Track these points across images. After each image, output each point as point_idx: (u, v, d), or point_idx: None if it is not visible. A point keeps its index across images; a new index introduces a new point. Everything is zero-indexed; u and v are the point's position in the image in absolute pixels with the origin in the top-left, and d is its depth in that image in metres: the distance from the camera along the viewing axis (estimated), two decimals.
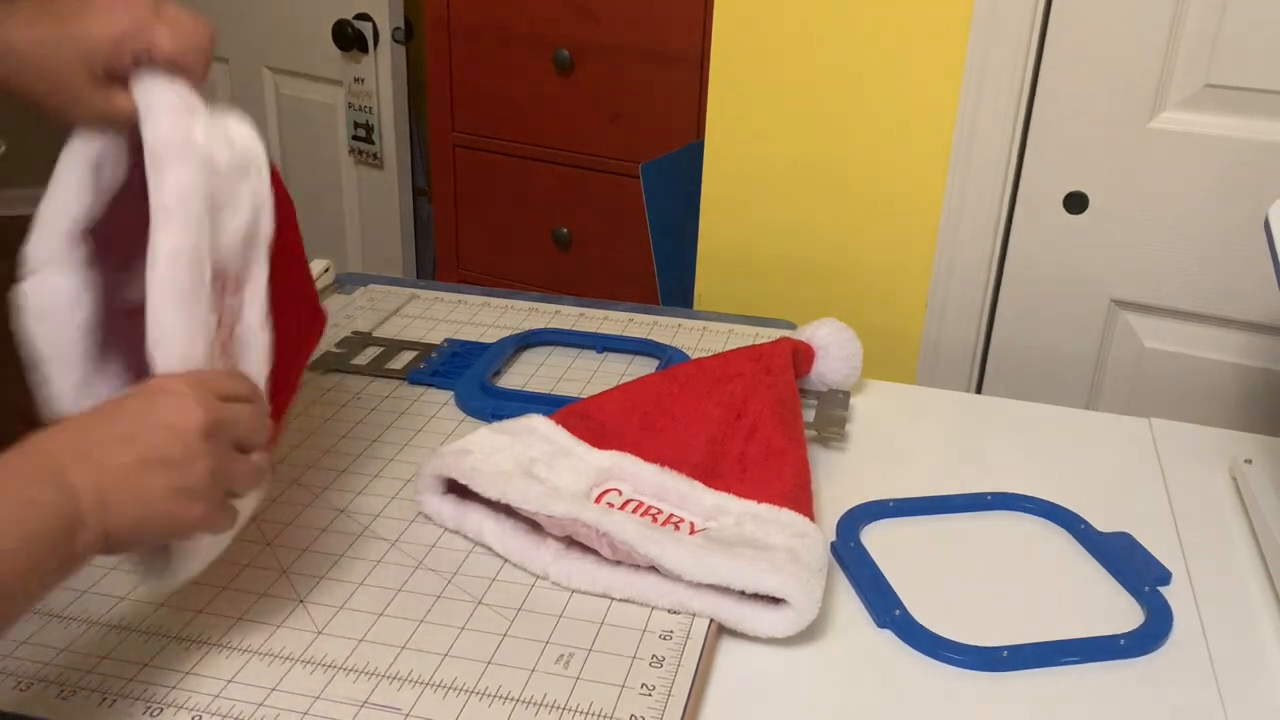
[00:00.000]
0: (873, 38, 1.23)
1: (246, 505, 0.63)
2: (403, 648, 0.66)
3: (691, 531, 0.74)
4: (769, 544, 0.70)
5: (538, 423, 0.83)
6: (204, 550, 0.61)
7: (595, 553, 0.72)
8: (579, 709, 0.61)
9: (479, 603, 0.70)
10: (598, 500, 0.76)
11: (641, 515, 0.75)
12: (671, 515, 0.76)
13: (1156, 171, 1.18)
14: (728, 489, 0.77)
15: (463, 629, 0.67)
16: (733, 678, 0.66)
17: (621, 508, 0.76)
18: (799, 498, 0.76)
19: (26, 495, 0.51)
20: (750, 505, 0.75)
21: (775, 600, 0.68)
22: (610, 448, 0.81)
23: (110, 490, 0.53)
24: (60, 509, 0.51)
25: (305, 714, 0.60)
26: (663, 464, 0.79)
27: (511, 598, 0.71)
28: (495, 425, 0.83)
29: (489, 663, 0.65)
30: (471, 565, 0.74)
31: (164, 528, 0.56)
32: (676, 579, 0.69)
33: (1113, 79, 1.17)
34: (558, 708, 0.61)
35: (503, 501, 0.74)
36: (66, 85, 0.62)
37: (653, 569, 0.71)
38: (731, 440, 0.82)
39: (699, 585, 0.69)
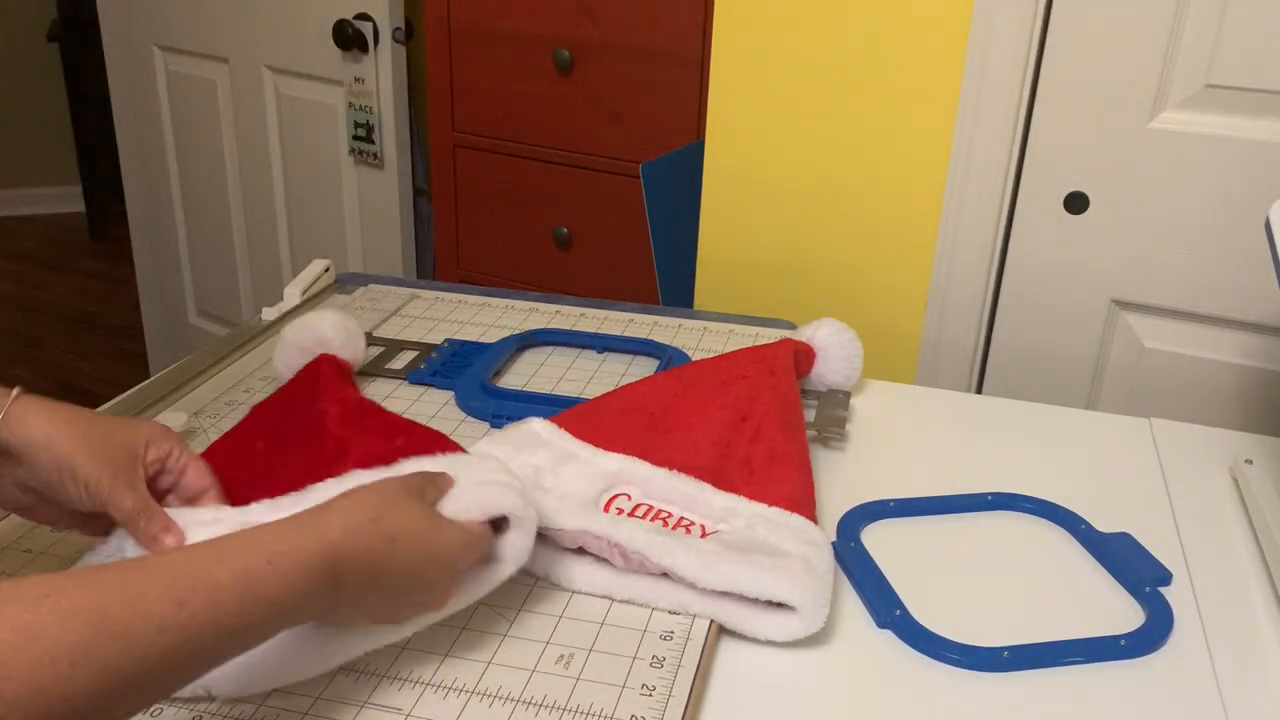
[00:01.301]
0: (873, 38, 1.23)
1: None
2: (403, 648, 0.66)
3: (703, 534, 0.74)
4: (782, 550, 0.70)
5: (539, 427, 0.82)
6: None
7: (598, 557, 0.72)
8: (579, 709, 0.61)
9: (479, 603, 0.70)
10: (607, 506, 0.76)
11: (652, 520, 0.75)
12: (682, 519, 0.75)
13: (1156, 171, 1.18)
14: (735, 491, 0.77)
15: (463, 629, 0.67)
16: (733, 678, 0.66)
17: (631, 513, 0.76)
18: (806, 502, 0.76)
19: (301, 591, 0.55)
20: (761, 508, 0.75)
21: (779, 604, 0.68)
22: (615, 450, 0.81)
23: (369, 606, 0.60)
24: (319, 611, 0.57)
25: (305, 714, 0.60)
26: (670, 467, 0.79)
27: (512, 598, 0.71)
28: (495, 435, 0.82)
29: (489, 663, 0.65)
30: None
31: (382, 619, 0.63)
32: (688, 584, 0.69)
33: (1113, 79, 1.17)
34: (558, 708, 0.61)
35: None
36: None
37: (660, 573, 0.71)
38: (737, 443, 0.82)
39: (706, 589, 0.69)
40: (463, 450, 0.77)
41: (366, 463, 0.72)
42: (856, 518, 0.82)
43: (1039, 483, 0.87)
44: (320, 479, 0.71)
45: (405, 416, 0.93)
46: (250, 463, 0.78)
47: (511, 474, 0.70)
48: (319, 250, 2.16)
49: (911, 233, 1.28)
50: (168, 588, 0.50)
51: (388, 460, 0.72)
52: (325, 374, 0.87)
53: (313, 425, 0.80)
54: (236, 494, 0.73)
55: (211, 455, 0.76)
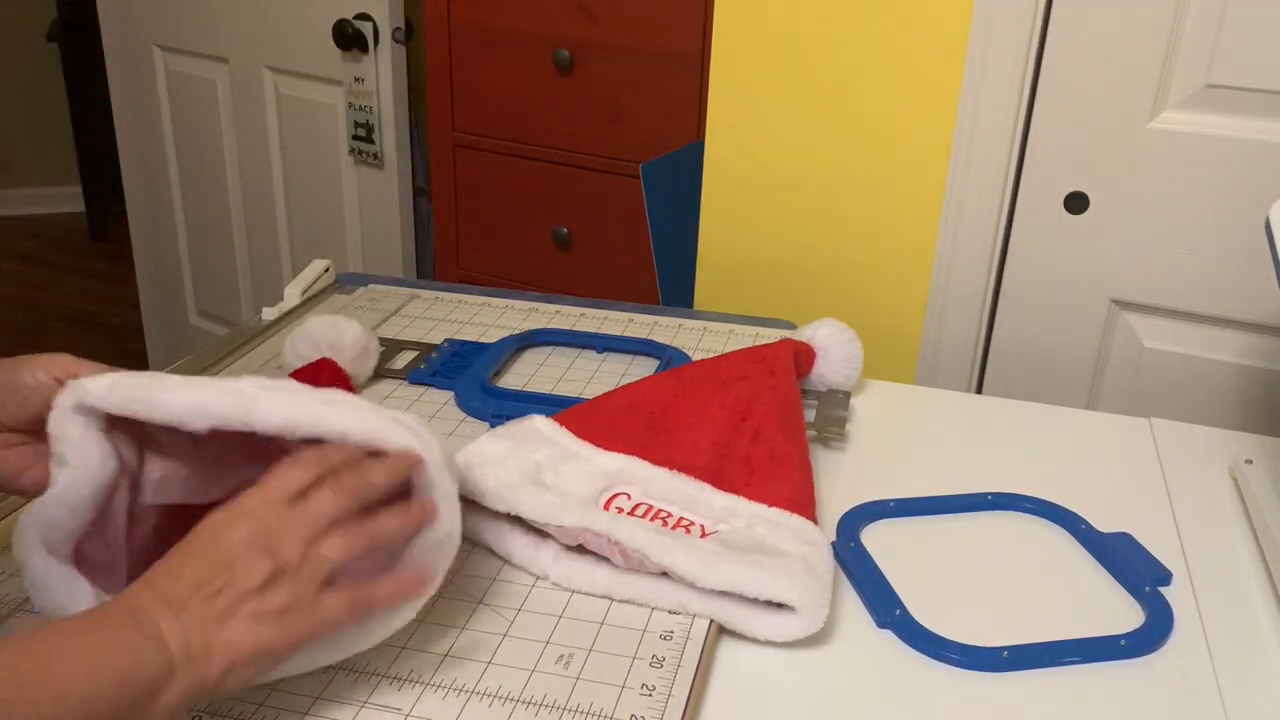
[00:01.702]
0: (873, 38, 1.23)
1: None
2: (403, 648, 0.66)
3: (703, 534, 0.74)
4: (782, 550, 0.70)
5: (541, 424, 0.83)
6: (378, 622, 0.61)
7: (598, 555, 0.72)
8: (579, 709, 0.61)
9: (479, 603, 0.70)
10: (606, 505, 0.76)
11: (651, 519, 0.75)
12: (682, 519, 0.75)
13: (1156, 171, 1.18)
14: (735, 491, 0.77)
15: (463, 629, 0.68)
16: (733, 678, 0.66)
17: (631, 512, 0.76)
18: (805, 502, 0.76)
19: (114, 646, 0.51)
20: (760, 508, 0.75)
21: (779, 604, 0.68)
22: (615, 450, 0.81)
23: (194, 634, 0.53)
24: (149, 661, 0.52)
25: (305, 714, 0.60)
26: (669, 466, 0.79)
27: (511, 598, 0.71)
28: (497, 430, 0.83)
29: (489, 663, 0.65)
30: (471, 565, 0.74)
31: (254, 654, 0.55)
32: (687, 584, 0.69)
33: (1113, 79, 1.17)
34: (558, 708, 0.61)
35: (513, 514, 0.74)
36: None
37: (659, 572, 0.71)
38: (737, 443, 0.82)
39: (705, 588, 0.69)
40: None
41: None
42: (856, 518, 0.82)
43: (1039, 483, 0.87)
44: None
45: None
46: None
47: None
48: (319, 250, 2.16)
49: (911, 233, 1.28)
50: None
51: None
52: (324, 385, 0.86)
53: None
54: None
55: None
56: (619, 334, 1.10)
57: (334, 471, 0.60)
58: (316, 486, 0.59)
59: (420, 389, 0.98)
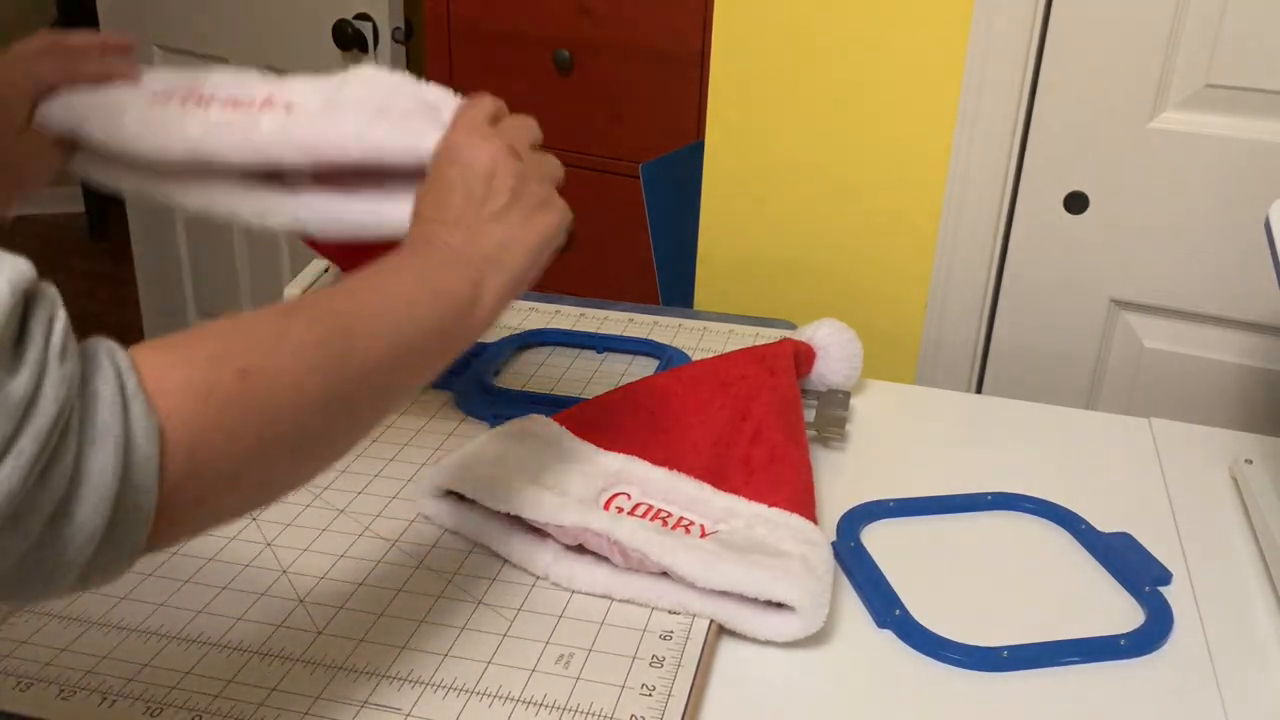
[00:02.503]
0: (873, 37, 1.23)
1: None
2: (403, 648, 0.66)
3: (703, 534, 0.74)
4: (781, 550, 0.70)
5: (541, 424, 0.83)
6: None
7: (597, 554, 0.72)
8: (579, 709, 0.61)
9: (479, 603, 0.70)
10: (606, 505, 0.76)
11: (652, 519, 0.75)
12: (682, 518, 0.75)
13: (1156, 171, 1.18)
14: (735, 491, 0.77)
15: (463, 629, 0.68)
16: (733, 678, 0.66)
17: (631, 512, 0.76)
18: (805, 502, 0.76)
19: (437, 278, 0.60)
20: (760, 508, 0.75)
21: (779, 604, 0.68)
22: (615, 449, 0.81)
23: (489, 242, 0.62)
24: (463, 278, 0.60)
25: (305, 714, 0.60)
26: (669, 466, 0.79)
27: (512, 598, 0.71)
28: (497, 430, 0.83)
29: (489, 663, 0.65)
30: (471, 565, 0.74)
31: (542, 246, 0.66)
32: (687, 584, 0.69)
33: (1113, 79, 1.17)
34: (558, 708, 0.61)
35: (513, 514, 0.74)
36: None
37: (659, 572, 0.71)
38: (736, 443, 0.82)
39: (705, 589, 0.69)
40: None
41: None
42: (856, 518, 0.82)
43: (1039, 483, 0.87)
44: None
45: (405, 417, 0.94)
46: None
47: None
48: None
49: (912, 232, 1.28)
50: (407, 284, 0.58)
51: None
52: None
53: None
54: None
55: None
56: (619, 334, 1.09)
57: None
58: (502, 113, 0.69)
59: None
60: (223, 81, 0.72)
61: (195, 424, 0.44)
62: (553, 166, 0.69)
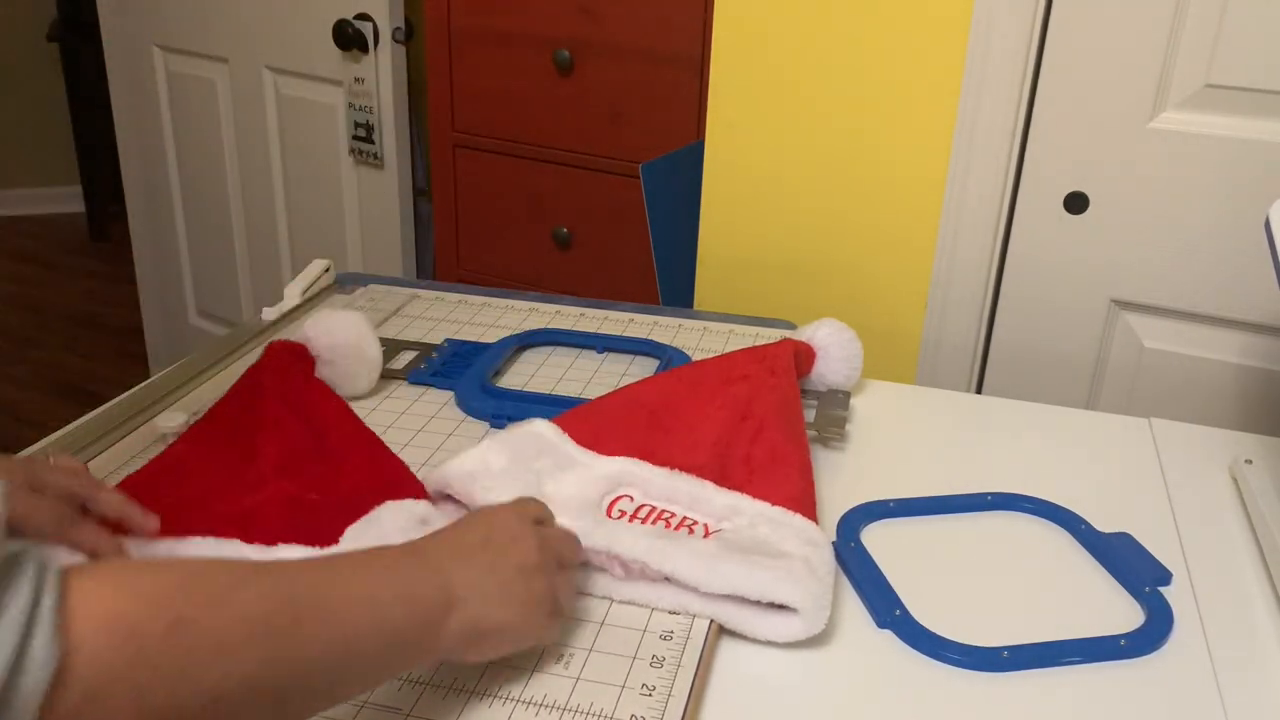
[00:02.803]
0: (873, 38, 1.23)
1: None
2: None
3: (706, 533, 0.74)
4: (784, 551, 0.70)
5: (541, 428, 0.82)
6: None
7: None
8: (579, 709, 0.61)
9: None
10: (609, 508, 0.76)
11: (654, 521, 0.75)
12: (685, 518, 0.75)
13: (1156, 171, 1.18)
14: (738, 489, 0.77)
15: None
16: (733, 678, 0.66)
17: (634, 514, 0.75)
18: (806, 501, 0.76)
19: (412, 582, 0.56)
20: (764, 507, 0.75)
21: (780, 604, 0.68)
22: (616, 451, 0.81)
23: (478, 585, 0.59)
24: (437, 596, 0.57)
25: None
26: (670, 467, 0.79)
27: None
28: (499, 436, 0.82)
29: (489, 663, 0.65)
30: None
31: (518, 630, 0.61)
32: (690, 587, 0.69)
33: (1113, 79, 1.17)
34: (558, 708, 0.61)
35: None
36: None
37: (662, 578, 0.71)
38: (737, 442, 0.82)
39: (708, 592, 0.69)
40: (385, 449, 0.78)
41: (273, 505, 0.73)
42: (856, 518, 0.82)
43: (1039, 483, 0.87)
44: (238, 486, 0.72)
45: (405, 417, 0.93)
46: (180, 469, 0.77)
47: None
48: (319, 250, 2.16)
49: (911, 233, 1.28)
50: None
51: (298, 504, 0.73)
52: (264, 375, 0.86)
53: (240, 456, 0.79)
54: (172, 504, 0.72)
55: (155, 465, 0.76)
56: (619, 334, 1.10)
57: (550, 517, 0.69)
58: (548, 518, 0.67)
59: (420, 389, 0.98)
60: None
61: (105, 664, 0.41)
62: (570, 589, 0.66)
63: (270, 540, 0.70)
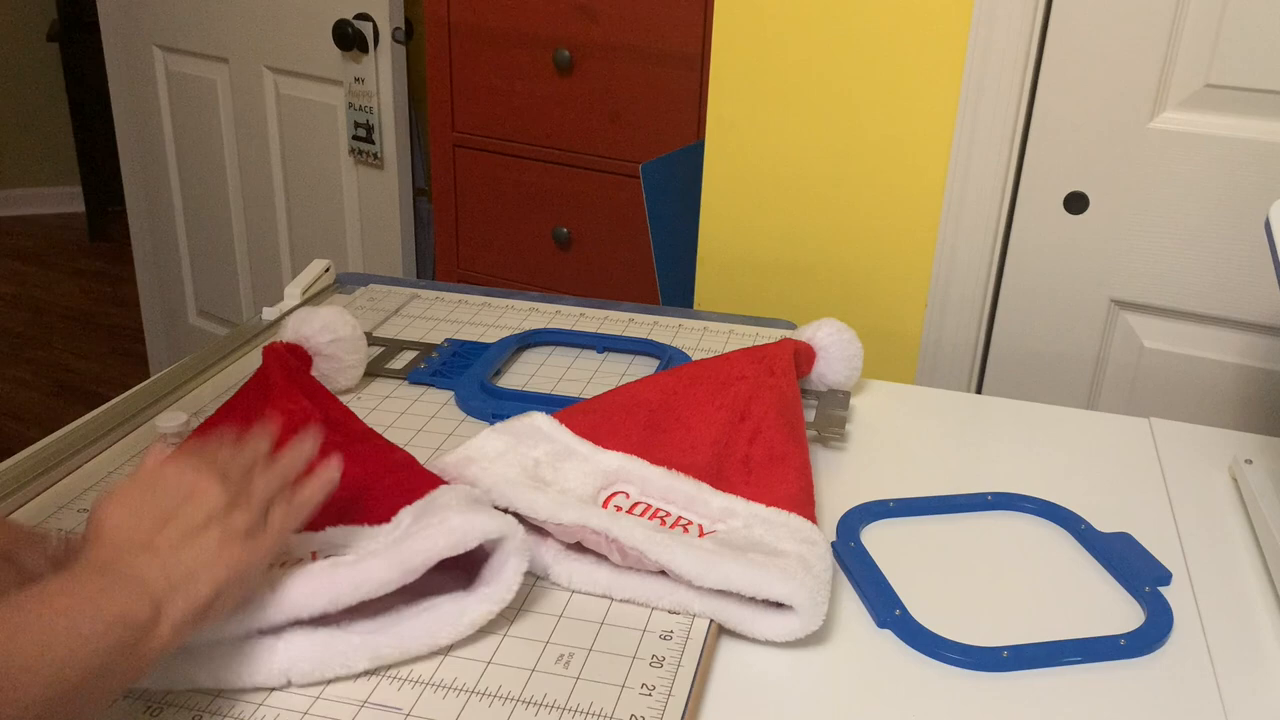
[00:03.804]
0: (873, 38, 1.23)
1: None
2: None
3: (700, 534, 0.74)
4: (779, 550, 0.70)
5: (541, 421, 0.83)
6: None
7: (596, 553, 0.72)
8: (579, 709, 0.61)
9: None
10: (605, 503, 0.76)
11: (650, 518, 0.75)
12: (680, 518, 0.75)
13: (1156, 171, 1.18)
14: (734, 491, 0.77)
15: None
16: (733, 678, 0.66)
17: (630, 510, 0.76)
18: (804, 502, 0.76)
19: (92, 597, 0.53)
20: (759, 508, 0.75)
21: (778, 603, 0.68)
22: (614, 448, 0.81)
23: (176, 568, 0.56)
24: (139, 606, 0.54)
25: (305, 714, 0.60)
26: (668, 466, 0.79)
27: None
28: (497, 426, 0.83)
29: (489, 663, 0.65)
30: None
31: (232, 579, 0.58)
32: (686, 583, 0.69)
33: (1113, 79, 1.17)
34: (558, 708, 0.61)
35: (510, 510, 0.74)
36: None
37: (658, 571, 0.71)
38: (735, 442, 0.82)
39: (704, 588, 0.69)
40: (400, 451, 0.77)
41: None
42: (856, 517, 0.82)
43: (1039, 483, 0.87)
44: None
45: (405, 417, 0.94)
46: None
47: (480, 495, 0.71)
48: (319, 250, 2.16)
49: (911, 233, 1.28)
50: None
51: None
52: (269, 374, 0.85)
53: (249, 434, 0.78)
54: None
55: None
56: (619, 334, 1.10)
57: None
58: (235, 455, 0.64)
59: (420, 389, 0.98)
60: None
61: None
62: (273, 485, 0.63)
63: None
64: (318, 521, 0.69)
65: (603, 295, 1.32)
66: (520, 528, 0.68)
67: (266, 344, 0.89)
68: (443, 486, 0.72)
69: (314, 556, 0.67)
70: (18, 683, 0.48)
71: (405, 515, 0.70)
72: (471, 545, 0.66)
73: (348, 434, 0.79)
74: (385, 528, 0.69)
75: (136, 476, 0.60)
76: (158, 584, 0.55)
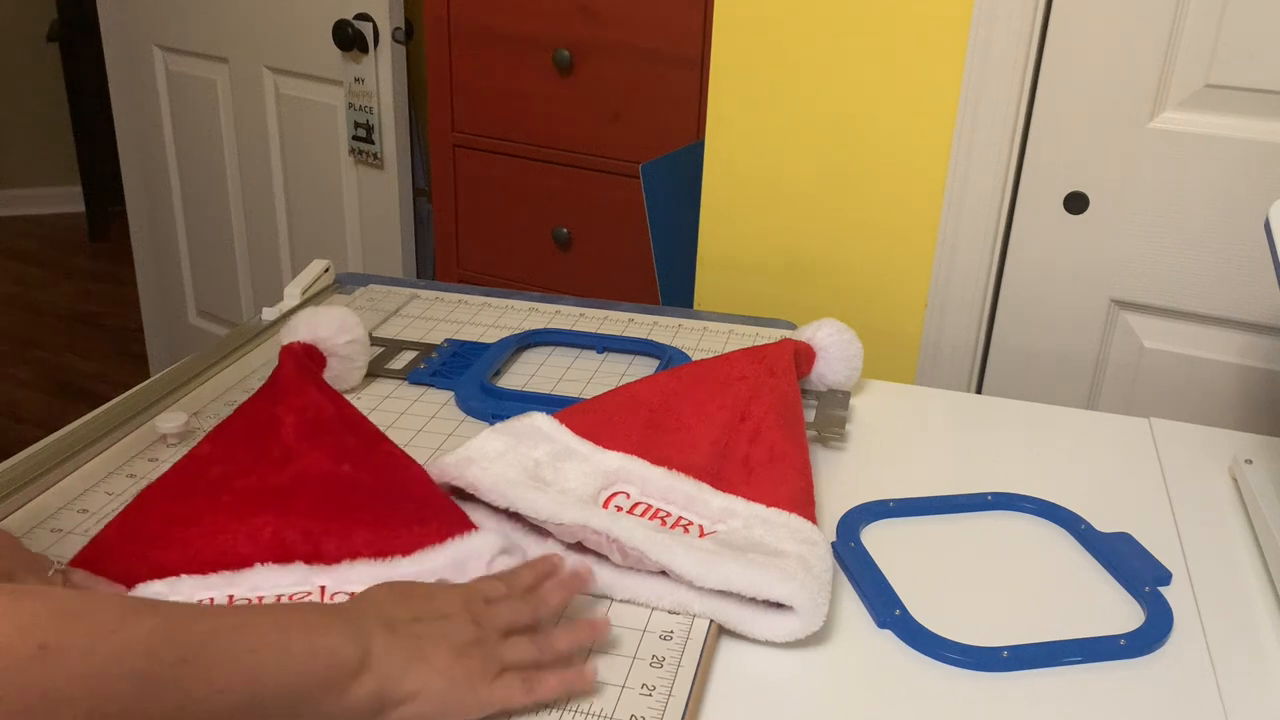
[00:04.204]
0: (873, 38, 1.23)
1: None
2: None
3: (701, 534, 0.74)
4: (780, 550, 0.70)
5: (541, 421, 0.83)
6: None
7: (596, 553, 0.72)
8: (579, 709, 0.61)
9: None
10: (605, 504, 0.76)
11: (651, 519, 0.75)
12: (680, 518, 0.75)
13: (1156, 171, 1.18)
14: (734, 491, 0.77)
15: None
16: (733, 678, 0.66)
17: (630, 511, 0.76)
18: (804, 502, 0.76)
19: (330, 637, 0.55)
20: (759, 509, 0.75)
21: (778, 604, 0.68)
22: (615, 448, 0.81)
23: (398, 655, 0.57)
24: (352, 654, 0.56)
25: None
26: (668, 466, 0.79)
27: None
28: (497, 426, 0.83)
29: None
30: None
31: (443, 696, 0.58)
32: (686, 583, 0.69)
33: (1113, 79, 1.17)
34: (558, 708, 0.61)
35: (511, 510, 0.74)
36: None
37: (658, 571, 0.71)
38: (736, 443, 0.82)
39: (703, 588, 0.69)
40: (412, 460, 0.77)
41: (308, 478, 0.72)
42: (856, 517, 0.82)
43: (1039, 483, 0.87)
44: (264, 490, 0.71)
45: (405, 417, 0.94)
46: (203, 475, 0.76)
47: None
48: (319, 250, 2.16)
49: (911, 233, 1.28)
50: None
51: (332, 478, 0.73)
52: (287, 374, 0.85)
53: (265, 433, 0.78)
54: (188, 511, 0.71)
55: (169, 477, 0.75)
56: (619, 334, 1.09)
57: (520, 590, 0.65)
58: (506, 599, 0.64)
59: (420, 389, 0.98)
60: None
61: None
62: (526, 651, 0.62)
63: (304, 514, 0.70)
64: (332, 551, 0.69)
65: (603, 295, 1.32)
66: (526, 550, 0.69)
67: (284, 345, 0.89)
68: (471, 535, 0.71)
69: (322, 591, 0.67)
70: (215, 674, 0.50)
71: (434, 568, 0.68)
72: None
73: (362, 439, 0.79)
74: (404, 562, 0.69)
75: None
76: (377, 654, 0.56)
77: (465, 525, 0.71)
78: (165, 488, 0.74)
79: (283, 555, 0.68)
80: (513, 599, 0.64)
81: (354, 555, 0.68)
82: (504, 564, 0.69)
